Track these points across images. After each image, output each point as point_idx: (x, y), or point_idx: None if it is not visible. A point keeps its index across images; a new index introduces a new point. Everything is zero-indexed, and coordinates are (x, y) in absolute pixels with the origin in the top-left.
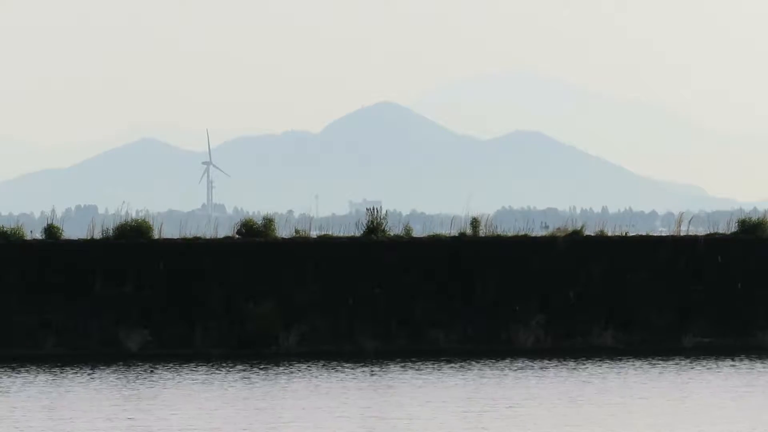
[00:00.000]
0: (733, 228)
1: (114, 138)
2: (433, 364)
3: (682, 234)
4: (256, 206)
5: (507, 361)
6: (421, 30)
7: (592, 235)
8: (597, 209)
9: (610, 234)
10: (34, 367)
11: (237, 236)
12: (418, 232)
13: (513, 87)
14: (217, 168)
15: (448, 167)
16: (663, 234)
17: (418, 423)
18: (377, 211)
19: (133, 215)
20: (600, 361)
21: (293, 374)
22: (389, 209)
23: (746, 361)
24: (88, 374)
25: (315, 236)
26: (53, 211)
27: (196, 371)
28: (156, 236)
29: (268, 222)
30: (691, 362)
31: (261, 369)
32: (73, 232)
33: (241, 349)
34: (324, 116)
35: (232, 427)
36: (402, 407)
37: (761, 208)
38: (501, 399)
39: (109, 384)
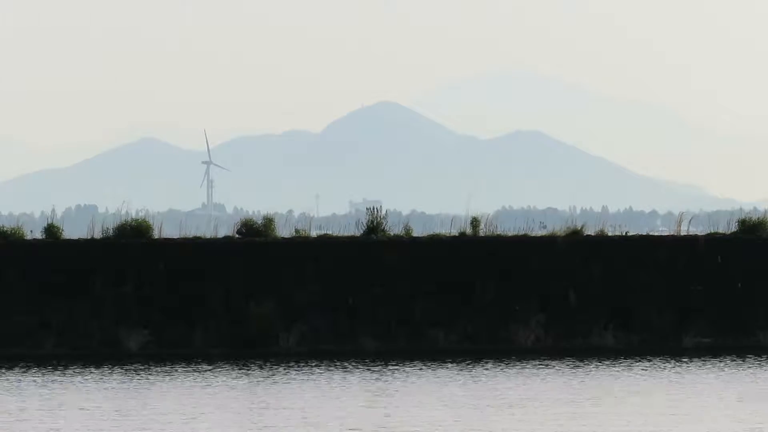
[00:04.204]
0: (733, 228)
1: (114, 138)
2: (433, 363)
3: (682, 234)
4: (256, 206)
5: (507, 360)
6: (421, 30)
7: (592, 235)
8: (597, 209)
9: (610, 234)
10: (34, 367)
11: (237, 236)
12: (418, 232)
13: (513, 87)
14: (217, 165)
15: (448, 167)
16: (663, 234)
17: (417, 423)
18: (377, 211)
19: (133, 215)
20: (600, 360)
21: (293, 374)
22: (389, 209)
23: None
24: (89, 374)
25: (315, 236)
26: (53, 210)
27: (196, 371)
28: (156, 236)
29: (268, 222)
30: (690, 362)
31: (261, 369)
32: (73, 232)
33: (241, 349)
34: (324, 116)
35: (233, 427)
36: (401, 407)
37: (761, 207)
38: (501, 399)
39: (109, 384)
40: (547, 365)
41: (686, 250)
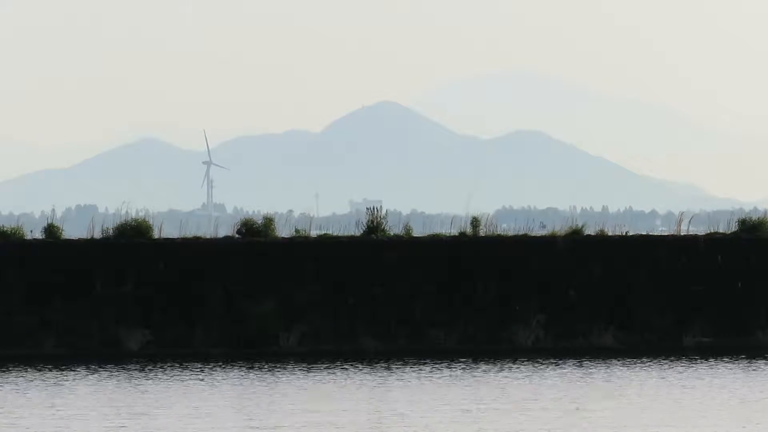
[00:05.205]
0: (734, 228)
1: (114, 138)
2: (433, 363)
3: (682, 234)
4: (256, 206)
5: (507, 360)
6: (421, 30)
7: (592, 235)
8: (597, 209)
9: (610, 234)
10: (35, 367)
11: (237, 236)
12: (418, 232)
13: (513, 87)
14: (217, 165)
15: (448, 167)
16: (663, 234)
17: (417, 423)
18: (377, 211)
19: (133, 215)
20: (600, 360)
21: (293, 374)
22: (389, 209)
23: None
24: (89, 374)
25: (315, 236)
26: (53, 210)
27: (197, 371)
28: (156, 236)
29: (268, 222)
30: (691, 362)
31: (261, 369)
32: (73, 232)
33: (241, 349)
34: (324, 116)
35: (233, 427)
36: (401, 407)
37: (761, 207)
38: (500, 399)
39: (109, 384)
40: (548, 365)
41: (686, 250)
